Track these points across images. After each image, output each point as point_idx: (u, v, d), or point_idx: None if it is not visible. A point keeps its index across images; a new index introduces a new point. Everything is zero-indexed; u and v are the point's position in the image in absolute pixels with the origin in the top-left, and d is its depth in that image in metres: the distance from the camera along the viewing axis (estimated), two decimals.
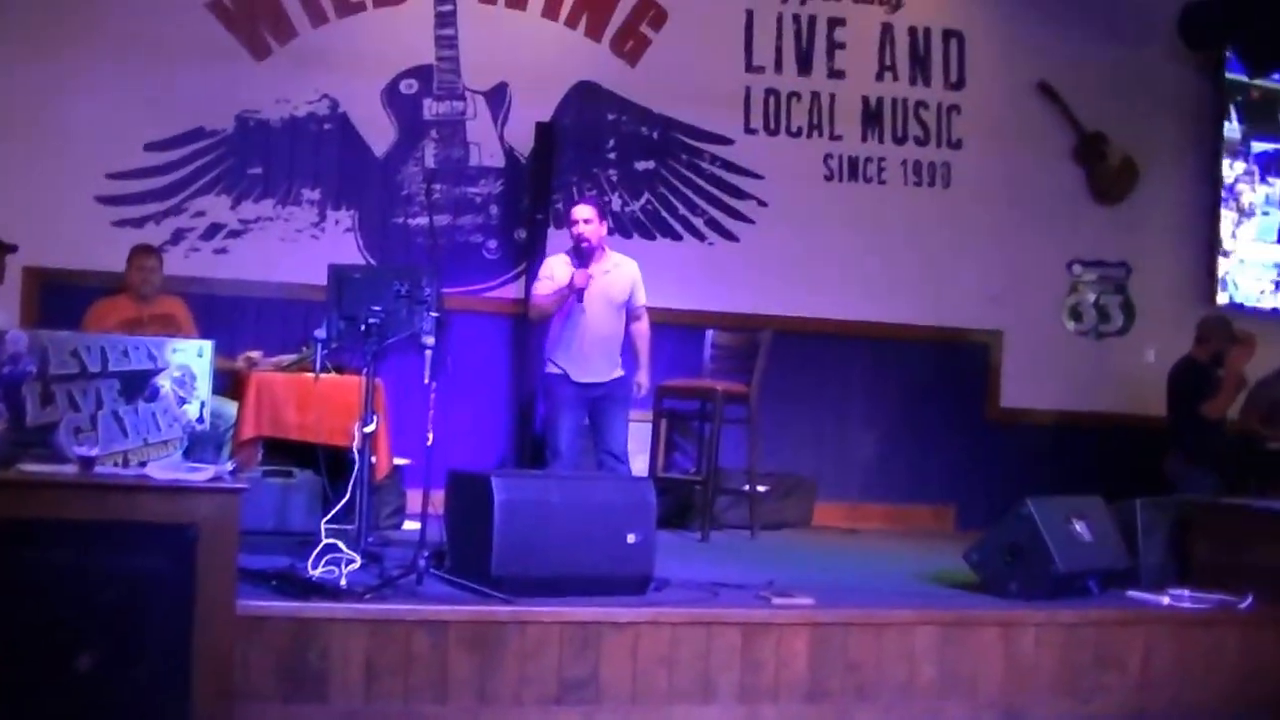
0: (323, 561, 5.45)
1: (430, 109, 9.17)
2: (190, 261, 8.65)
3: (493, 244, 9.25)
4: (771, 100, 9.77)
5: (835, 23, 9.89)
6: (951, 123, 10.07)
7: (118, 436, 4.92)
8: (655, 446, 8.37)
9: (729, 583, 5.88)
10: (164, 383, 5.01)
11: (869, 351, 9.87)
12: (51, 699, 4.37)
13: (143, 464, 4.88)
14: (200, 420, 5.09)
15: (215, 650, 4.55)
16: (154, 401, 4.98)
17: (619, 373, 7.45)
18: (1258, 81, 10.63)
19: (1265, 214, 10.81)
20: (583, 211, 7.35)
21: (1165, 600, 6.03)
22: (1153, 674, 5.77)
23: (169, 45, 8.65)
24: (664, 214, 9.54)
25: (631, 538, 5.52)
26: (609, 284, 7.40)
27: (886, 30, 10.01)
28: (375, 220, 9.07)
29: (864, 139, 9.92)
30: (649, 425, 8.29)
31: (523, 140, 9.21)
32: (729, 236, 9.64)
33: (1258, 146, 10.80)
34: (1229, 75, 10.63)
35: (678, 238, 9.54)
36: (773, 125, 9.76)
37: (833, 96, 9.87)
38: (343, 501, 5.89)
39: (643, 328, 7.61)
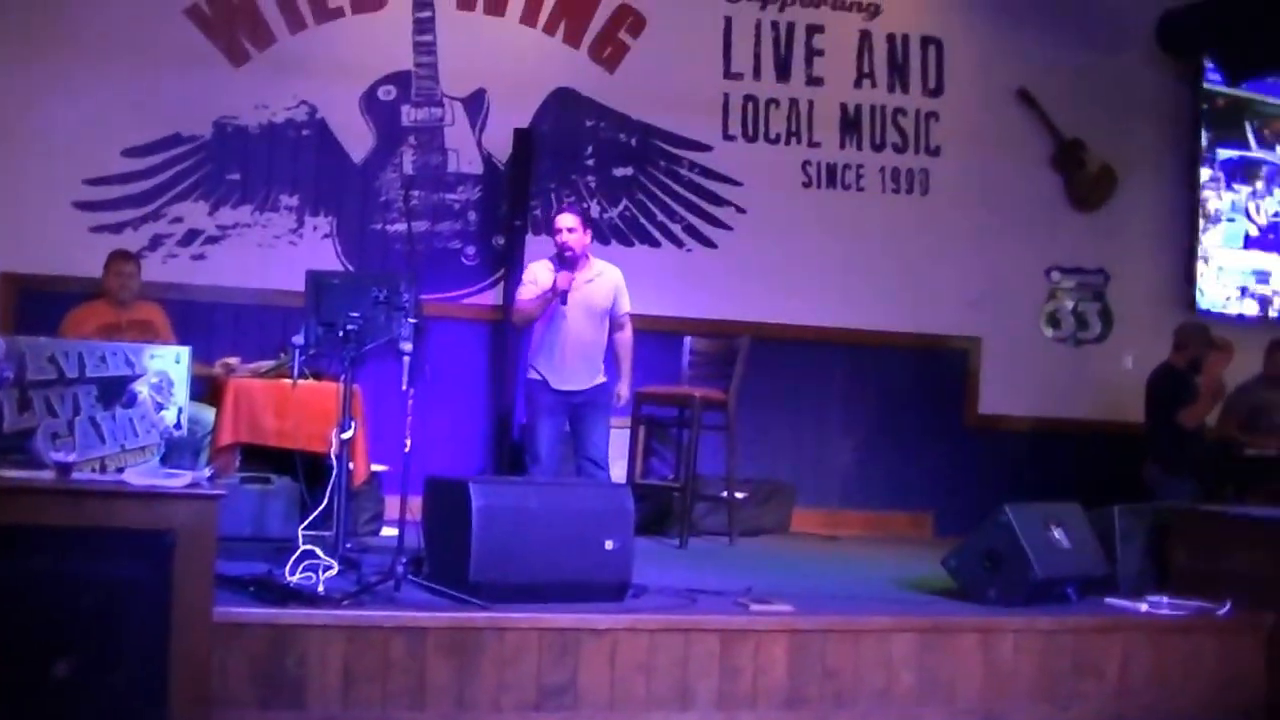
0: (300, 568, 5.43)
1: (408, 115, 9.16)
2: (168, 267, 8.63)
3: (471, 250, 9.24)
4: (750, 107, 9.77)
5: (814, 30, 9.88)
6: (930, 130, 10.07)
7: (95, 442, 4.91)
8: (633, 453, 8.36)
9: (707, 589, 5.85)
10: (141, 389, 5.00)
11: (847, 358, 9.86)
12: (29, 705, 4.35)
13: (120, 470, 4.87)
14: (178, 426, 5.09)
15: (192, 656, 4.53)
16: (131, 407, 4.97)
17: (601, 379, 7.43)
18: (1224, 89, 10.67)
19: (1231, 220, 10.84)
20: (566, 220, 7.32)
21: (1143, 607, 6.03)
22: (1131, 681, 5.78)
23: (148, 51, 8.64)
24: (642, 220, 9.53)
25: (610, 544, 5.51)
26: (592, 292, 7.38)
27: (865, 37, 10.01)
28: (353, 226, 9.04)
29: (842, 146, 9.92)
30: (627, 432, 8.28)
31: (501, 147, 9.21)
32: (707, 243, 9.63)
33: (1223, 154, 10.83)
34: (1206, 84, 10.67)
35: (656, 244, 9.54)
36: (751, 132, 9.77)
37: (811, 103, 9.87)
38: (320, 508, 5.88)
39: (626, 337, 7.58)
